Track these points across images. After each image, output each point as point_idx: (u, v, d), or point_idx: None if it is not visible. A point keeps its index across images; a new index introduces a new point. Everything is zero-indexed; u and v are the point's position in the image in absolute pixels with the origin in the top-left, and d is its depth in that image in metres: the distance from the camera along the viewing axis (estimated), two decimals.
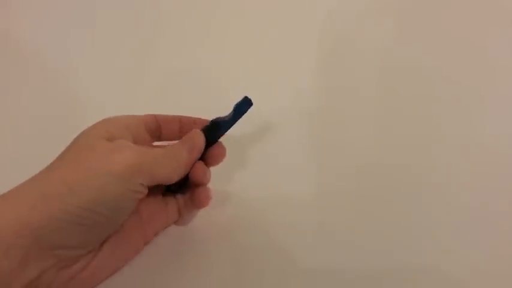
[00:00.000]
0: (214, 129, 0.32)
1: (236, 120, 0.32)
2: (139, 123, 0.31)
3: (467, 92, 0.39)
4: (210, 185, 0.33)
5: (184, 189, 0.33)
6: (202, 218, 0.35)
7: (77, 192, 0.24)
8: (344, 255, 0.33)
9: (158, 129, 0.32)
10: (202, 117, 0.32)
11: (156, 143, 0.33)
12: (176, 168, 0.29)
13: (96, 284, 0.29)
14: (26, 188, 0.25)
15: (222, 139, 0.32)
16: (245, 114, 0.32)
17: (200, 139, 0.31)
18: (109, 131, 0.28)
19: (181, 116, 0.33)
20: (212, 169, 0.33)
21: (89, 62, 0.42)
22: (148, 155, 0.27)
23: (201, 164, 0.31)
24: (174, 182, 0.30)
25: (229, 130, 0.32)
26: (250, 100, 0.32)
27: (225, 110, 0.32)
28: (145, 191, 0.27)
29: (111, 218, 0.26)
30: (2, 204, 0.24)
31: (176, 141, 0.31)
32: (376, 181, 0.36)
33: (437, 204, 0.35)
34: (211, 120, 0.32)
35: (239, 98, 0.31)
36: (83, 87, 0.40)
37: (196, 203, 0.32)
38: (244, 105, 0.32)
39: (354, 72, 0.41)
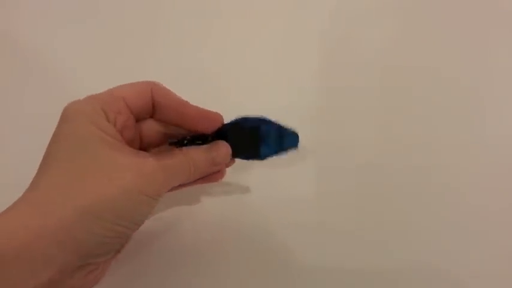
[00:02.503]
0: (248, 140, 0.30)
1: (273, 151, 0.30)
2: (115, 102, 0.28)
3: (467, 92, 0.39)
4: (209, 185, 0.33)
5: None
6: (202, 217, 0.35)
7: (113, 211, 0.24)
8: (344, 254, 0.33)
9: (151, 107, 0.29)
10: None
11: None
12: (192, 177, 0.29)
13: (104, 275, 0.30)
14: (63, 201, 0.24)
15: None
16: (246, 113, 0.30)
17: (227, 154, 0.30)
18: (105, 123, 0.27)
19: (187, 105, 0.29)
20: None
21: (89, 61, 0.42)
22: (170, 168, 0.27)
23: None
24: None
25: None
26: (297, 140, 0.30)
27: (226, 110, 0.31)
28: None
29: (135, 230, 0.27)
30: (38, 212, 0.23)
31: (200, 147, 0.29)
32: (376, 181, 0.36)
33: (438, 204, 0.35)
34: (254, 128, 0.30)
35: (239, 98, 0.31)
36: (83, 87, 0.39)
37: (208, 178, 0.32)
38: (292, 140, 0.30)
39: (355, 72, 0.41)
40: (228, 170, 0.33)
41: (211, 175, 0.31)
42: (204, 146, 0.29)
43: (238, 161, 0.32)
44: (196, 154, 0.29)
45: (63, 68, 0.42)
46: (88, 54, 0.42)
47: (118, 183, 0.24)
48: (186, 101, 0.29)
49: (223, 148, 0.30)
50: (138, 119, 0.30)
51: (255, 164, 0.36)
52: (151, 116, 0.30)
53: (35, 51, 0.43)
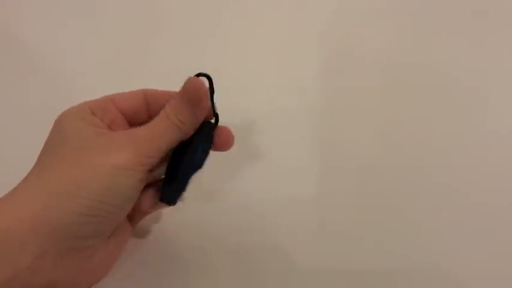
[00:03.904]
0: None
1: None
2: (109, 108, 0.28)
3: (468, 92, 0.39)
4: (210, 184, 0.33)
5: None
6: (201, 217, 0.35)
7: (87, 187, 0.24)
8: (344, 255, 0.33)
9: (145, 107, 0.30)
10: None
11: None
12: (183, 131, 0.27)
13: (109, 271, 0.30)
14: (36, 188, 0.25)
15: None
16: (247, 113, 0.30)
17: (198, 83, 0.27)
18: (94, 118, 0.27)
19: (175, 92, 0.28)
20: (212, 168, 0.33)
21: (90, 61, 0.42)
22: (149, 132, 0.26)
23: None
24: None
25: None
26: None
27: (227, 110, 0.31)
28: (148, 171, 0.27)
29: (122, 208, 0.27)
30: (13, 202, 0.24)
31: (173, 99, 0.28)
32: (377, 181, 0.36)
33: (438, 204, 0.35)
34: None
35: (239, 98, 0.30)
36: (84, 87, 0.40)
37: (219, 144, 0.30)
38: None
39: (355, 72, 0.41)
40: (228, 169, 0.33)
41: (221, 142, 0.30)
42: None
43: (238, 160, 0.32)
44: (175, 107, 0.27)
45: (64, 67, 0.42)
46: (88, 54, 0.42)
47: (90, 161, 0.25)
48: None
49: (190, 80, 0.28)
50: (133, 121, 0.30)
51: (254, 163, 0.37)
52: (150, 116, 0.30)
53: (35, 51, 0.43)
